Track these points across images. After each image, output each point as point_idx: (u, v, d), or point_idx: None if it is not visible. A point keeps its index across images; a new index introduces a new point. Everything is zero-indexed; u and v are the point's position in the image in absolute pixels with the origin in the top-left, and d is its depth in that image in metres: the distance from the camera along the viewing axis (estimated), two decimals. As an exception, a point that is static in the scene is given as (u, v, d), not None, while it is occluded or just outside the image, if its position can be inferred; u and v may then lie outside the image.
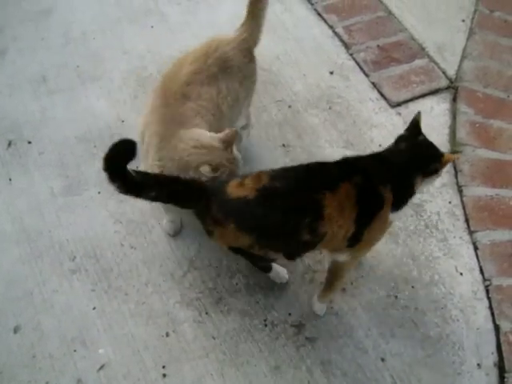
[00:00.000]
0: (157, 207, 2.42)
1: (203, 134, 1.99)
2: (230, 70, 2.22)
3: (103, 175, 2.49)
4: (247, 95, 2.34)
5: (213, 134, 1.99)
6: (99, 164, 2.54)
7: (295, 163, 2.45)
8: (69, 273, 2.31)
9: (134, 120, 2.72)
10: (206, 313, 2.19)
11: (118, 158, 1.72)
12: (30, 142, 2.69)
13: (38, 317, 2.21)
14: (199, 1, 3.24)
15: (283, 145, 2.61)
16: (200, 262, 2.31)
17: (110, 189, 2.45)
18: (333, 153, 2.57)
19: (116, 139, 2.61)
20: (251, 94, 2.39)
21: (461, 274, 2.26)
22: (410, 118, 2.62)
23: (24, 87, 2.92)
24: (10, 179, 2.58)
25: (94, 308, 2.22)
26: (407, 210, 2.38)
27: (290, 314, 2.18)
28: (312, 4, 3.19)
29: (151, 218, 2.43)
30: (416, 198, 2.42)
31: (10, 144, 2.69)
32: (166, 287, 2.26)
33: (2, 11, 3.27)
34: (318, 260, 2.29)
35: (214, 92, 2.15)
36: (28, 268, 2.32)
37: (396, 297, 2.21)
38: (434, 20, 3.11)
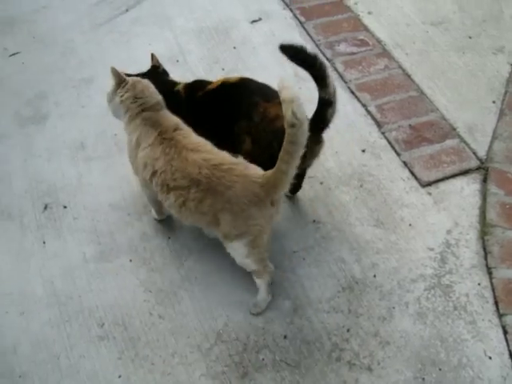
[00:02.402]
0: (187, 278, 2.46)
1: None
2: None
3: (135, 243, 2.56)
4: None
5: None
6: (132, 232, 2.63)
7: (326, 240, 2.50)
8: (96, 339, 2.32)
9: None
10: (232, 387, 2.18)
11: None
12: (65, 207, 2.75)
13: (64, 382, 2.20)
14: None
15: (314, 221, 2.62)
16: (227, 335, 2.30)
17: (141, 257, 2.52)
18: (363, 231, 2.59)
19: (148, 210, 2.67)
20: None
21: (490, 357, 2.22)
22: (440, 198, 2.70)
23: (63, 152, 3.00)
24: (44, 242, 2.62)
25: (120, 376, 2.21)
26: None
27: (316, 393, 2.16)
28: (346, 82, 3.27)
29: (180, 288, 2.44)
30: (445, 279, 2.43)
31: (46, 207, 2.75)
32: (192, 359, 2.25)
33: (47, 77, 3.40)
34: (346, 339, 2.28)
35: None
36: (56, 332, 2.34)
37: (423, 379, 2.17)
38: (465, 101, 3.17)
